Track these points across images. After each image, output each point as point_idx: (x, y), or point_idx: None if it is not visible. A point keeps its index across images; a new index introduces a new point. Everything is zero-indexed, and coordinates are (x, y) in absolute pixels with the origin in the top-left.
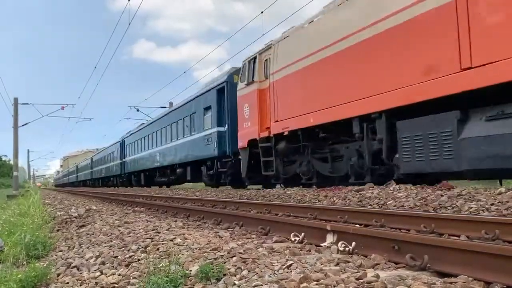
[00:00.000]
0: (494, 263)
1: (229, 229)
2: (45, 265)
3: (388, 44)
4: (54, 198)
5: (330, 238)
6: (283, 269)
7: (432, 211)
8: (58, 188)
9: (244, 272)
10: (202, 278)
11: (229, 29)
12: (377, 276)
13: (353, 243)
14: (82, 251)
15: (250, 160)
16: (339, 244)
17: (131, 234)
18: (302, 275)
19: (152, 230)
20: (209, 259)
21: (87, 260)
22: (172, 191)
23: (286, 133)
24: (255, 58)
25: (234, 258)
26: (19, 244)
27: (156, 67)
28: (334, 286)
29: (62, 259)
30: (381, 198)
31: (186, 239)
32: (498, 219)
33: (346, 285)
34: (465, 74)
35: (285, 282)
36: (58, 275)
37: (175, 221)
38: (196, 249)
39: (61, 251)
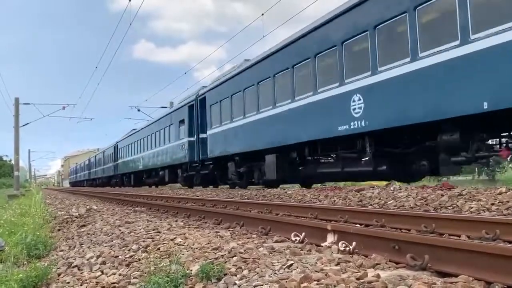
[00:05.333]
0: (495, 263)
1: (229, 229)
2: (46, 264)
3: None
4: (55, 198)
5: (330, 238)
6: (284, 269)
7: (433, 211)
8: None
9: (245, 272)
10: (202, 278)
11: (229, 29)
12: (378, 276)
13: (354, 243)
14: (83, 251)
15: None
16: (340, 244)
17: (131, 233)
18: (302, 275)
19: (153, 229)
20: (210, 259)
21: (88, 259)
22: (173, 190)
23: None
24: None
25: (234, 258)
26: (20, 243)
27: (156, 67)
28: (334, 286)
29: (63, 258)
30: (381, 198)
31: (186, 238)
32: (498, 219)
33: (346, 285)
34: None
35: (286, 282)
36: (59, 274)
37: (176, 220)
38: (196, 248)
39: (62, 250)
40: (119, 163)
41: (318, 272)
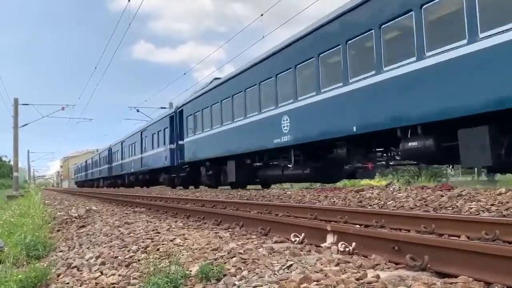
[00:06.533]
0: (494, 264)
1: (229, 230)
2: (45, 265)
3: None
4: (54, 198)
5: (330, 239)
6: (283, 270)
7: (432, 212)
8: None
9: (244, 273)
10: (202, 279)
11: (228, 30)
12: (377, 276)
13: (353, 244)
14: (82, 252)
15: None
16: (339, 244)
17: (131, 234)
18: (302, 275)
19: (152, 230)
20: (209, 260)
21: (87, 260)
22: (172, 191)
23: None
24: None
25: (234, 259)
26: (19, 244)
27: (155, 68)
28: (334, 287)
29: (63, 259)
30: (381, 199)
31: (186, 239)
32: (498, 219)
33: (346, 286)
34: None
35: (285, 282)
36: (58, 275)
37: (175, 221)
38: (196, 249)
39: (61, 251)
40: (186, 145)
41: (318, 272)
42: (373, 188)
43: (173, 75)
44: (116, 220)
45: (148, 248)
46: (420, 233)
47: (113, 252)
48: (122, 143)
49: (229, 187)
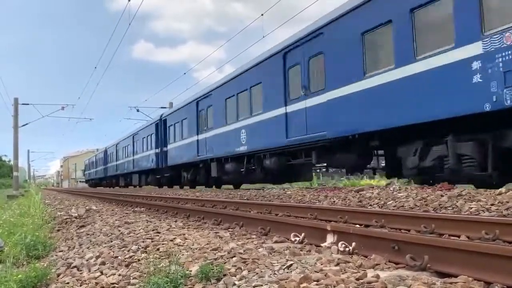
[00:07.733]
0: (494, 263)
1: (229, 229)
2: (45, 265)
3: None
4: (54, 198)
5: (330, 238)
6: (283, 269)
7: (432, 212)
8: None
9: (244, 272)
10: (202, 278)
11: (228, 29)
12: (377, 276)
13: (353, 244)
14: (82, 251)
15: None
16: (339, 244)
17: (131, 234)
18: (302, 275)
19: (152, 230)
20: (209, 260)
21: (87, 260)
22: (172, 191)
23: None
24: None
25: (234, 258)
26: (19, 244)
27: (155, 68)
28: (334, 286)
29: (63, 259)
30: (381, 199)
31: (186, 239)
32: (498, 219)
33: (346, 285)
34: None
35: (285, 282)
36: (58, 275)
37: (175, 221)
38: (196, 249)
39: (61, 251)
40: None
41: (318, 272)
42: (373, 188)
43: (173, 75)
44: (116, 220)
45: (148, 248)
46: (420, 233)
47: (113, 252)
48: (188, 106)
49: None
